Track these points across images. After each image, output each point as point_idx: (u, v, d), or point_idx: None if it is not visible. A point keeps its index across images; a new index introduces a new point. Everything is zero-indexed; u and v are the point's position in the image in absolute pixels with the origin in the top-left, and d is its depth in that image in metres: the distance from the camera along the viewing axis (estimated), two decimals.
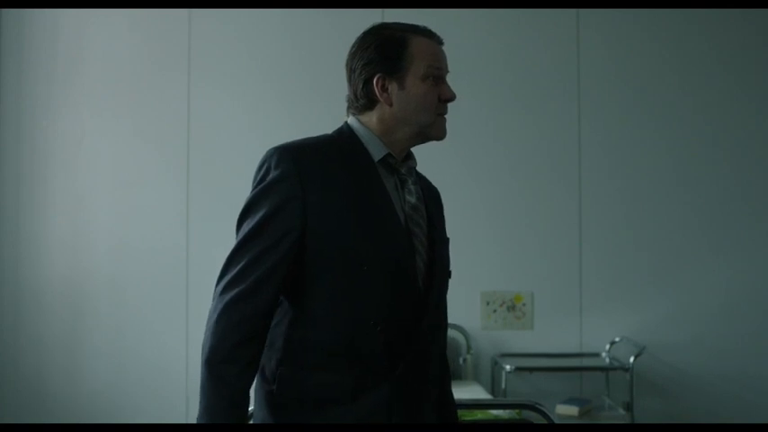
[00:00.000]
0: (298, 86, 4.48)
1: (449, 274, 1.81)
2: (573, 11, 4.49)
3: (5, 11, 4.45)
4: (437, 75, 1.74)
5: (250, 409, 1.68)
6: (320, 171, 1.68)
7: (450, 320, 4.59)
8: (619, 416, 4.01)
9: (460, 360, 4.34)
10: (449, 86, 1.76)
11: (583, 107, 4.49)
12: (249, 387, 1.63)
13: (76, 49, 4.49)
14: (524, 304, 4.46)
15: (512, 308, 4.47)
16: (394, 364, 1.64)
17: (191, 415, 4.24)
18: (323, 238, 1.63)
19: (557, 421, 2.35)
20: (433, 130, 1.76)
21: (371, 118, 1.78)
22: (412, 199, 1.74)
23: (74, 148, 4.47)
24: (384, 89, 1.74)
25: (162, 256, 4.38)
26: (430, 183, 1.94)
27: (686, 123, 4.50)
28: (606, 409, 4.14)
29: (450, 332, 4.37)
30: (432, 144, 1.61)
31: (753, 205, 4.49)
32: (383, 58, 1.74)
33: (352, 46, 1.84)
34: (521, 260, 4.47)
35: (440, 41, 1.79)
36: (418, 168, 1.88)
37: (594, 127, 4.49)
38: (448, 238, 1.86)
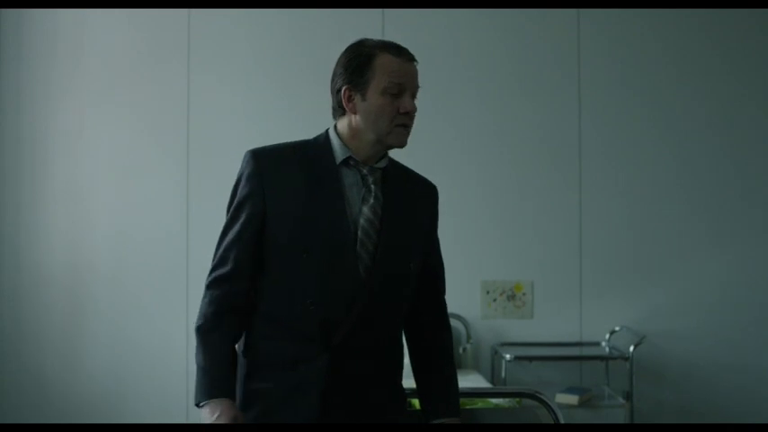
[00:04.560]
0: (297, 79, 4.48)
1: (408, 263, 2.01)
2: (573, 11, 4.49)
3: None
4: (398, 89, 1.91)
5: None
6: (279, 171, 1.96)
7: (449, 309, 4.63)
8: (618, 405, 4.03)
9: (460, 349, 4.35)
10: (410, 100, 1.93)
11: (583, 101, 4.50)
12: (229, 350, 1.94)
13: (76, 41, 4.48)
14: (524, 293, 4.47)
15: (512, 297, 4.47)
16: (331, 338, 1.90)
17: (191, 404, 4.26)
18: (276, 226, 1.92)
19: (556, 410, 2.35)
20: (390, 138, 1.95)
21: (343, 124, 2.03)
22: (369, 196, 1.95)
23: (74, 139, 4.47)
24: (350, 99, 1.98)
25: (162, 246, 4.39)
26: (423, 181, 2.15)
27: (684, 116, 4.52)
28: (606, 398, 4.16)
29: (450, 321, 4.37)
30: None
31: (751, 196, 4.51)
32: (350, 72, 1.97)
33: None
34: (521, 249, 4.48)
35: (409, 58, 1.95)
36: (421, 166, 2.16)
37: (595, 119, 4.50)
38: (428, 231, 2.12)
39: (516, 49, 4.53)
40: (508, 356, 4.06)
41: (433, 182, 2.20)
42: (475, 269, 4.46)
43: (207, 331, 1.93)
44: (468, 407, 2.84)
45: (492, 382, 4.24)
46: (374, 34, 4.42)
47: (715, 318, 4.45)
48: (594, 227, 4.47)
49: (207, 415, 1.87)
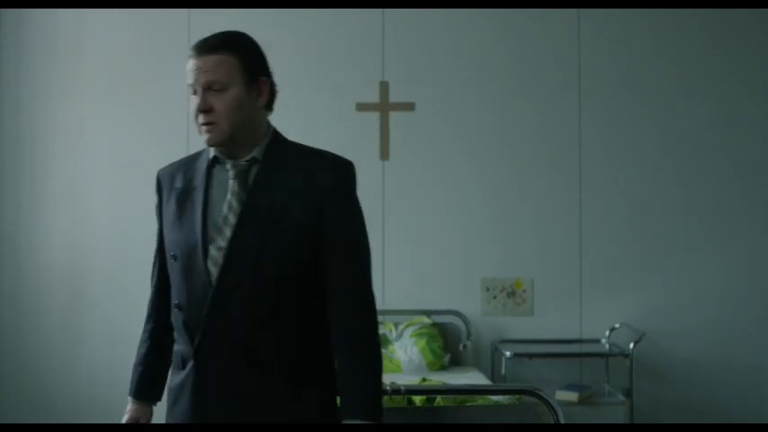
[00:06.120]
0: (296, 79, 4.48)
1: (286, 251, 1.88)
2: (573, 11, 4.50)
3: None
4: (193, 90, 1.88)
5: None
6: (170, 182, 2.01)
7: (450, 306, 4.62)
8: (618, 402, 4.03)
9: (460, 346, 4.36)
10: (197, 99, 1.87)
11: (583, 101, 4.51)
12: (147, 352, 2.09)
13: (76, 41, 4.50)
14: (524, 290, 4.48)
15: (512, 294, 4.48)
16: (194, 340, 1.90)
17: None
18: (165, 237, 2.01)
19: (556, 407, 2.35)
20: (202, 138, 1.92)
21: None
22: (227, 192, 1.92)
23: (74, 139, 4.48)
24: None
25: None
26: (320, 163, 1.98)
27: (684, 116, 4.52)
28: (606, 395, 4.16)
29: (451, 318, 4.40)
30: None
31: (751, 196, 4.51)
32: None
33: None
34: (521, 246, 4.49)
35: (197, 53, 1.87)
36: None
37: (595, 119, 4.51)
38: (315, 215, 1.89)
39: (516, 49, 4.54)
40: (508, 353, 4.06)
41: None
42: (475, 266, 4.47)
43: (141, 334, 2.12)
44: (467, 404, 2.85)
45: (492, 380, 4.24)
46: (374, 34, 4.49)
47: (715, 316, 4.45)
48: (594, 224, 4.48)
49: None
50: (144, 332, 2.10)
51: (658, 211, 4.50)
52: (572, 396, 3.98)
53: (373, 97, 4.48)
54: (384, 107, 4.48)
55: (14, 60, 4.49)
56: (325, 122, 4.44)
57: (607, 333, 4.41)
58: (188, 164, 2.02)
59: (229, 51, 1.87)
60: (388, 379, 2.61)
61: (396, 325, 4.29)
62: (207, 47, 1.87)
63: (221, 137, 1.88)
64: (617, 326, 4.40)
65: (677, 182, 4.50)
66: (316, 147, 2.03)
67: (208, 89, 1.86)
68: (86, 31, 4.49)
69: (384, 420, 1.88)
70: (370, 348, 1.91)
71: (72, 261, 4.46)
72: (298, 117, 4.41)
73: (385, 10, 4.49)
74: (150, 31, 4.47)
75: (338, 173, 1.95)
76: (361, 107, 4.47)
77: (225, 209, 1.89)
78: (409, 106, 4.47)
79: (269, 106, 2.02)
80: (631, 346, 4.05)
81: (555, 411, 2.35)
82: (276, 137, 2.02)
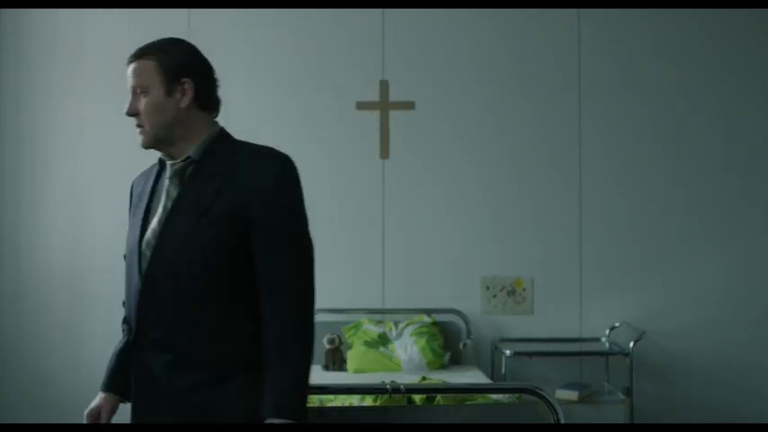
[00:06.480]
0: (296, 79, 4.49)
1: (203, 249, 1.89)
2: (573, 11, 4.51)
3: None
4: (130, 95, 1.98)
5: None
6: (136, 187, 2.12)
7: (450, 305, 4.62)
8: (618, 401, 4.03)
9: (461, 345, 4.36)
10: (129, 103, 1.99)
11: (583, 100, 4.52)
12: (116, 348, 2.07)
13: (76, 41, 4.50)
14: (524, 289, 4.48)
15: (512, 293, 4.48)
16: (131, 335, 1.95)
17: None
18: None
19: (556, 406, 2.35)
20: None
21: None
22: (162, 194, 1.98)
23: (74, 139, 4.48)
24: None
25: None
26: (254, 161, 1.96)
27: (684, 116, 4.52)
28: (606, 394, 4.16)
29: (451, 317, 4.40)
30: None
31: (751, 196, 4.51)
32: None
33: None
34: (521, 245, 4.49)
35: (128, 62, 2.00)
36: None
37: (595, 119, 4.52)
38: (217, 213, 1.89)
39: (516, 49, 4.55)
40: (508, 352, 4.06)
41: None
42: (475, 265, 4.47)
43: None
44: (467, 402, 2.85)
45: (492, 378, 4.24)
46: (374, 34, 4.50)
47: (715, 315, 4.46)
48: (594, 223, 4.48)
49: None
50: (122, 330, 2.11)
51: (658, 210, 4.50)
52: (572, 395, 3.98)
53: (373, 96, 4.48)
54: (384, 106, 4.48)
55: (14, 60, 4.49)
56: (325, 121, 4.44)
57: (607, 332, 4.41)
58: (152, 169, 2.09)
59: (150, 56, 1.97)
60: (388, 378, 2.62)
61: (396, 323, 4.29)
62: (134, 55, 1.99)
63: (147, 139, 1.98)
64: (617, 325, 4.40)
65: (677, 181, 4.51)
66: (268, 145, 2.04)
67: (135, 94, 1.97)
68: (86, 31, 4.50)
69: (308, 419, 1.88)
70: (294, 346, 1.86)
71: (72, 261, 4.46)
72: (298, 116, 4.43)
73: (385, 10, 4.50)
74: (150, 31, 4.41)
75: (266, 171, 1.93)
76: (361, 106, 4.47)
77: (160, 209, 1.96)
78: (409, 105, 4.48)
79: (204, 106, 2.03)
80: (631, 344, 4.06)
81: (555, 410, 2.34)
82: (217, 136, 2.02)
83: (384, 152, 4.46)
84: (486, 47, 4.54)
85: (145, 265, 1.92)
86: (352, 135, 4.45)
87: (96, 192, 4.46)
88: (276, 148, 2.01)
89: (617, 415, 3.97)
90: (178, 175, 1.97)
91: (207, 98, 2.04)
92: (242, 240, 1.90)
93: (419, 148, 4.48)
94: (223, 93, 4.77)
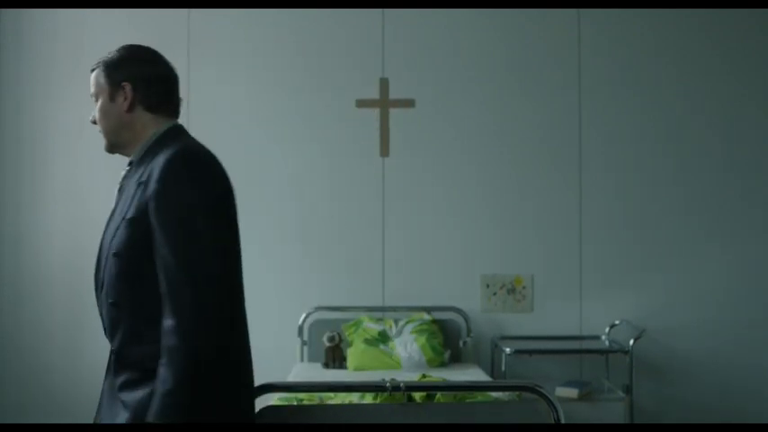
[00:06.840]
0: (296, 78, 4.50)
1: (115, 254, 1.92)
2: (573, 11, 4.52)
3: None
4: None
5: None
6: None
7: (450, 303, 4.61)
8: (618, 398, 4.03)
9: (461, 343, 4.37)
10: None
11: (583, 100, 4.52)
12: None
13: (76, 41, 4.51)
14: (524, 287, 4.48)
15: (512, 291, 4.49)
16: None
17: None
18: None
19: (556, 404, 2.35)
20: None
21: None
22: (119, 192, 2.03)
23: (74, 139, 4.48)
24: None
25: None
26: (159, 164, 1.88)
27: (684, 116, 4.53)
28: (606, 392, 4.16)
29: (451, 315, 4.41)
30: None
31: (751, 196, 4.52)
32: None
33: None
34: (521, 243, 4.49)
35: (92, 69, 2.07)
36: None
37: (595, 119, 4.52)
38: (128, 218, 1.88)
39: (516, 49, 4.55)
40: (508, 350, 4.06)
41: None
42: (475, 263, 4.48)
43: None
44: (467, 400, 2.85)
45: (492, 376, 4.25)
46: (374, 34, 4.50)
47: (714, 314, 4.46)
48: (594, 222, 4.49)
49: None
50: None
51: (658, 210, 4.51)
52: (572, 392, 3.98)
53: (373, 94, 4.49)
54: (384, 104, 4.48)
55: (14, 60, 4.50)
56: (324, 119, 4.45)
57: (607, 330, 4.41)
58: None
59: (99, 65, 2.05)
60: (388, 375, 2.61)
61: (396, 321, 4.30)
62: (92, 67, 2.07)
63: (105, 144, 2.07)
64: (617, 323, 4.41)
65: (677, 181, 4.51)
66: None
67: (95, 103, 2.06)
68: (86, 31, 4.50)
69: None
70: (172, 358, 1.76)
71: (72, 261, 4.46)
72: (298, 114, 4.44)
73: (385, 10, 4.50)
74: (150, 32, 4.47)
75: (162, 172, 1.83)
76: (361, 104, 4.47)
77: (115, 207, 2.02)
78: (409, 103, 4.48)
79: (152, 108, 2.00)
80: (631, 342, 4.06)
81: (555, 408, 2.34)
82: (159, 137, 1.98)
83: (384, 150, 4.47)
84: (486, 47, 4.55)
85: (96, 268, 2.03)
86: (352, 133, 4.46)
87: (96, 192, 4.45)
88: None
89: (617, 413, 3.97)
90: (126, 176, 2.04)
91: (151, 99, 2.01)
92: (151, 244, 1.85)
93: (419, 145, 4.49)
94: (223, 92, 4.79)
